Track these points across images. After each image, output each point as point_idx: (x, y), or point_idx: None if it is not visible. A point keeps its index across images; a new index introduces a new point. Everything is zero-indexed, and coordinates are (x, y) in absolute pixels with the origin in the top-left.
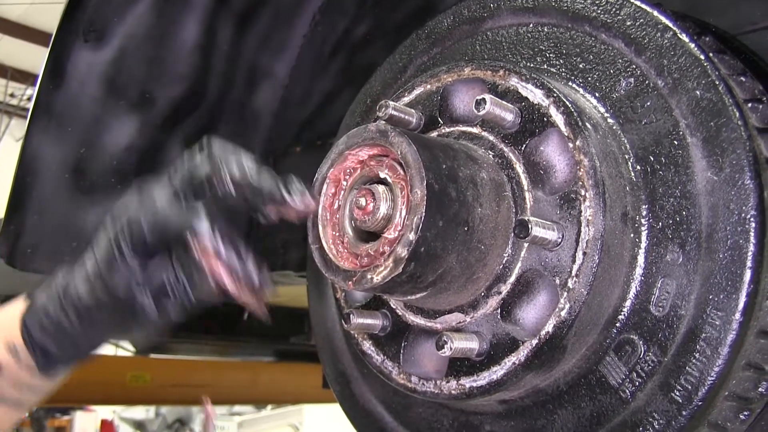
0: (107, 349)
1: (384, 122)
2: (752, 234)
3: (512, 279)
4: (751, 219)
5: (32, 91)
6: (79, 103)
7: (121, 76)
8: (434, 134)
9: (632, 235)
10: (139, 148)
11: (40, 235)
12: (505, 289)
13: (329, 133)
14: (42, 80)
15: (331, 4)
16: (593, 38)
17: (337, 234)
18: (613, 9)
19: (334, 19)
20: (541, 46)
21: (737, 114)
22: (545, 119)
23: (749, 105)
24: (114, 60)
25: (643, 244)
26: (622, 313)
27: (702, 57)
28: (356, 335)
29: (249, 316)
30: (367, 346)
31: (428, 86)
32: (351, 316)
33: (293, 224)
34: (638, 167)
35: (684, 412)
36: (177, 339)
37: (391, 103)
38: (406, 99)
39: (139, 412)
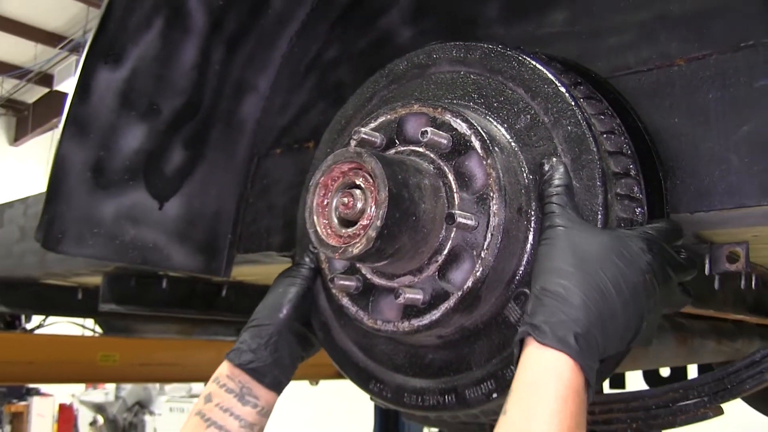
0: (77, 330)
1: (357, 144)
2: (599, 221)
3: (445, 252)
4: (598, 212)
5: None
6: (98, 114)
7: (133, 91)
8: (392, 152)
9: (525, 222)
10: (147, 150)
11: (68, 223)
12: (441, 258)
13: (304, 139)
14: (72, 96)
15: (305, 30)
16: (504, 85)
17: (327, 222)
18: (517, 65)
19: (308, 43)
20: (468, 89)
21: (594, 142)
22: (468, 144)
23: (604, 136)
24: (128, 78)
25: (532, 228)
26: (518, 274)
27: (572, 103)
28: (337, 293)
29: (227, 292)
30: (346, 301)
31: (388, 116)
32: (335, 279)
33: (276, 212)
34: (530, 177)
35: None
36: (148, 318)
37: (362, 129)
38: (372, 125)
39: (99, 395)
